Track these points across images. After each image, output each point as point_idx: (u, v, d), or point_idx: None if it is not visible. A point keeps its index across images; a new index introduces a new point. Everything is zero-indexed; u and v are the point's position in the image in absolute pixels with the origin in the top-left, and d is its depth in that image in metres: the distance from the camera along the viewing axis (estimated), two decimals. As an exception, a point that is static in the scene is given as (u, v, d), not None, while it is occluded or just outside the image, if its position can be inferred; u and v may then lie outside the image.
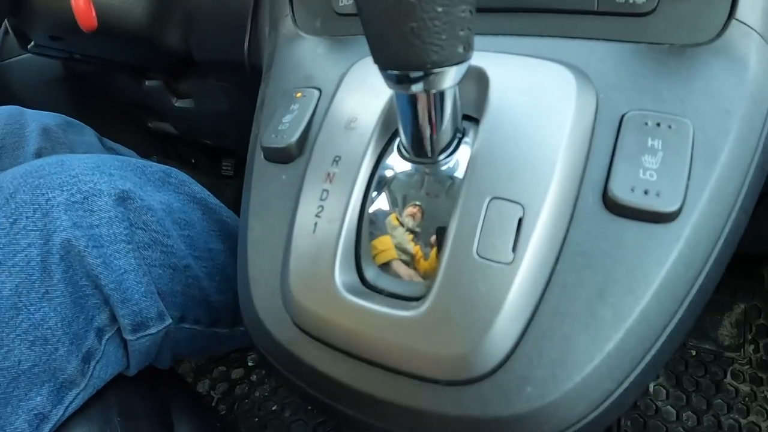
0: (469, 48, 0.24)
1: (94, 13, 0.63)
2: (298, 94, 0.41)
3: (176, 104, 0.89)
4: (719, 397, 0.83)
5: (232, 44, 0.60)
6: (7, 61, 1.00)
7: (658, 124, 0.30)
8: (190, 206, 0.59)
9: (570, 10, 0.35)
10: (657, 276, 0.28)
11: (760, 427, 0.79)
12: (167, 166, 0.60)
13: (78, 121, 0.79)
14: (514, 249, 0.28)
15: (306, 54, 0.44)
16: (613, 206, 0.29)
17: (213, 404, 0.95)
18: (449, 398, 0.28)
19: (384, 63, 0.25)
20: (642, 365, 0.28)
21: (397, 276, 0.32)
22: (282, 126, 0.39)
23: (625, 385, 0.28)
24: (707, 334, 0.90)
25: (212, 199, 0.62)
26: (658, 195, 0.28)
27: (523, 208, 0.28)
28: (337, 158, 0.34)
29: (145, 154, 0.91)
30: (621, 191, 0.29)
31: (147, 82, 0.89)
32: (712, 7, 0.33)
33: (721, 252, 0.30)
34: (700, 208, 0.29)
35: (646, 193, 0.29)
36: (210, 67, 0.76)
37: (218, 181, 1.16)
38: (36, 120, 0.72)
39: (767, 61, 0.33)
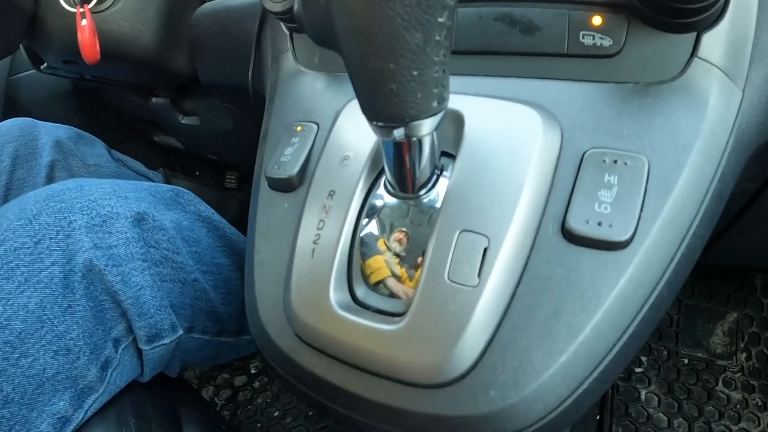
0: (442, 101, 0.28)
1: (98, 47, 0.67)
2: (299, 128, 0.45)
3: (182, 121, 0.92)
4: (711, 405, 0.82)
5: (236, 71, 0.63)
6: (17, 75, 1.02)
7: (615, 161, 0.33)
8: (197, 224, 0.61)
9: (542, 53, 0.38)
10: (608, 296, 0.31)
11: (751, 434, 0.78)
12: (176, 187, 0.63)
13: (88, 134, 0.81)
14: (479, 274, 0.32)
15: (305, 89, 0.48)
16: (570, 236, 0.33)
17: (217, 410, 0.96)
18: (425, 399, 0.33)
19: (370, 116, 0.29)
20: (595, 374, 0.32)
21: (391, 293, 0.36)
22: (284, 158, 0.43)
23: (579, 391, 0.32)
24: (700, 343, 0.89)
25: (217, 217, 0.65)
26: (610, 226, 0.32)
27: (488, 239, 0.32)
28: (332, 192, 0.38)
29: (150, 167, 0.93)
30: (577, 223, 0.32)
31: (154, 100, 0.92)
32: (676, 47, 0.35)
33: (673, 274, 0.33)
34: (651, 236, 0.32)
35: (599, 224, 0.32)
36: (215, 89, 0.79)
37: (222, 193, 1.15)
38: (48, 132, 0.74)
39: (728, 95, 0.35)
